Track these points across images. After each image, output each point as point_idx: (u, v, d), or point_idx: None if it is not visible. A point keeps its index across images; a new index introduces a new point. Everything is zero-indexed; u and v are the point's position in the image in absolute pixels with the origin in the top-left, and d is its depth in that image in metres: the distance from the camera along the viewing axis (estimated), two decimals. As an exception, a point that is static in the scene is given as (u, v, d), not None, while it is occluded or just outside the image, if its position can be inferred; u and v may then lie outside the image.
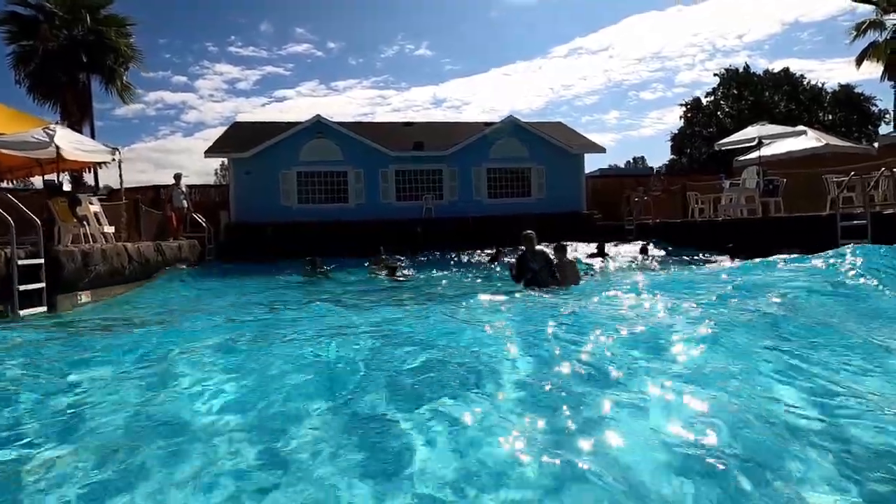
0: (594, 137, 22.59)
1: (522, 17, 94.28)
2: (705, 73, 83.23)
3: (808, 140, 13.84)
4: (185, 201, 14.43)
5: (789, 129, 13.94)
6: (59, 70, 19.01)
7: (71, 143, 9.85)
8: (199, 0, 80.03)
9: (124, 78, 20.87)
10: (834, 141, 15.16)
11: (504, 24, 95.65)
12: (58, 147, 9.21)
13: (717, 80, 34.83)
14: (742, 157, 16.02)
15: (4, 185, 14.01)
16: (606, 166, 49.36)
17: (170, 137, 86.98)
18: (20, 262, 6.84)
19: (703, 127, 34.85)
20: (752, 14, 75.31)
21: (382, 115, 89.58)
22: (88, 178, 18.41)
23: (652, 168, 38.48)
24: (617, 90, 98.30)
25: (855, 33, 21.45)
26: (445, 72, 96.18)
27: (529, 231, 7.62)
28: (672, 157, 36.96)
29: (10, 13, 18.83)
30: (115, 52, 20.01)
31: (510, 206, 19.45)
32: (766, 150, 13.78)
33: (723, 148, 14.68)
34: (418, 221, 17.74)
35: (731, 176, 17.43)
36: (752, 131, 13.69)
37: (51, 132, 9.36)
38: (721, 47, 76.78)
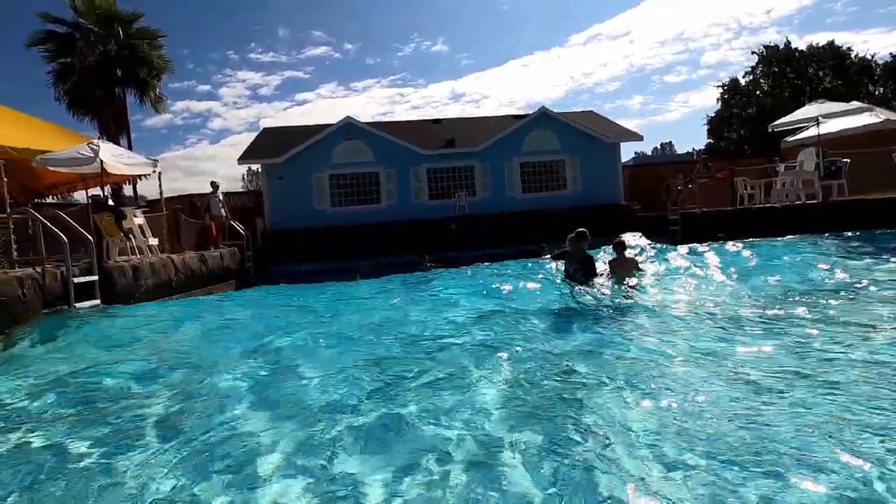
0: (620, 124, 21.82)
1: (538, 8, 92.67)
2: (732, 52, 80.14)
3: (866, 117, 12.90)
4: (223, 210, 14.50)
5: (852, 105, 12.96)
6: (95, 85, 19.40)
7: (114, 157, 9.92)
8: (218, 10, 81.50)
9: (157, 89, 21.18)
10: (894, 116, 14.14)
11: (519, 16, 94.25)
12: (102, 161, 9.28)
13: (756, 58, 33.18)
14: (792, 138, 15.12)
15: (49, 200, 14.36)
16: (633, 154, 48.00)
17: (197, 145, 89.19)
18: (76, 280, 6.85)
19: (741, 108, 33.30)
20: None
21: (402, 113, 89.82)
22: (127, 189, 18.78)
23: (692, 153, 37.05)
24: (639, 75, 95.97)
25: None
26: (463, 66, 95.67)
27: (582, 229, 7.12)
28: (709, 140, 35.47)
29: (48, 32, 19.30)
30: (148, 64, 20.30)
31: (545, 199, 18.98)
32: (819, 130, 12.90)
33: (777, 129, 13.81)
34: (452, 219, 17.48)
35: (782, 158, 16.51)
36: (811, 110, 12.83)
37: (95, 147, 9.42)
38: (747, 24, 73.72)
